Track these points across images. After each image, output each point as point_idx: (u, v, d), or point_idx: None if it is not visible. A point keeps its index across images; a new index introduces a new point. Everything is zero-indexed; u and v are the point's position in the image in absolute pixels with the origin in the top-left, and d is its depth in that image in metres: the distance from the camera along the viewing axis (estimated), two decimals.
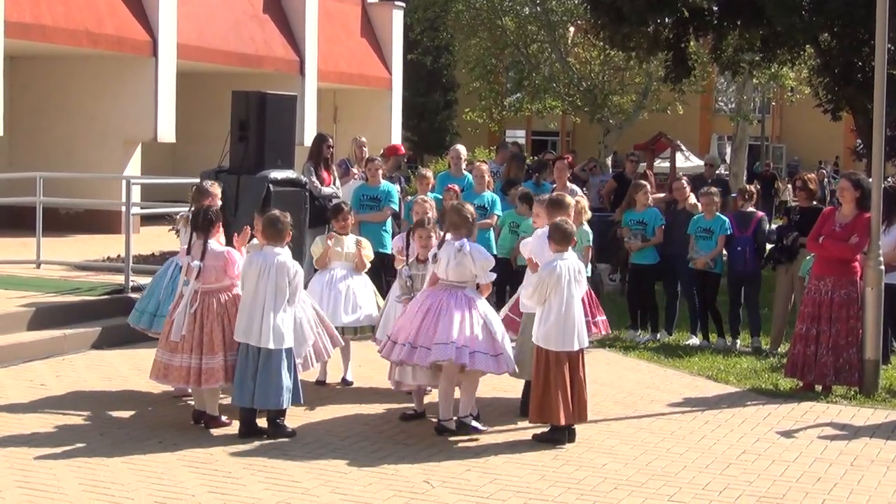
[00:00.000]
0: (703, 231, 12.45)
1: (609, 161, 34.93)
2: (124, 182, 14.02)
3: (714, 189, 12.83)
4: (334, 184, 13.25)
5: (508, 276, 11.86)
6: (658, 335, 12.73)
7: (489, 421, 8.79)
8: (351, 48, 25.98)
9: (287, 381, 8.17)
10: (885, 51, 10.51)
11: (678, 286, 12.84)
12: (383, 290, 10.53)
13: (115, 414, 8.82)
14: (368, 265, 10.09)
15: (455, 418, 8.44)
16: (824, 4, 18.82)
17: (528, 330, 8.53)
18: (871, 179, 10.47)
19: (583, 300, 8.64)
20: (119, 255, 14.43)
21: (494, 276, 8.69)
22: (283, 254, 8.28)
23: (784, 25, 19.04)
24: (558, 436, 8.27)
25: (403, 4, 28.01)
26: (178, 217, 10.47)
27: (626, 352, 11.96)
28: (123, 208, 13.79)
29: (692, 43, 23.41)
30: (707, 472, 7.72)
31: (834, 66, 20.34)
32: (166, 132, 20.25)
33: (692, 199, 12.90)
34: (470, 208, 8.73)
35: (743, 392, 10.27)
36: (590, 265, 10.71)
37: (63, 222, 19.30)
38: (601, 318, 9.86)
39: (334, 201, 11.32)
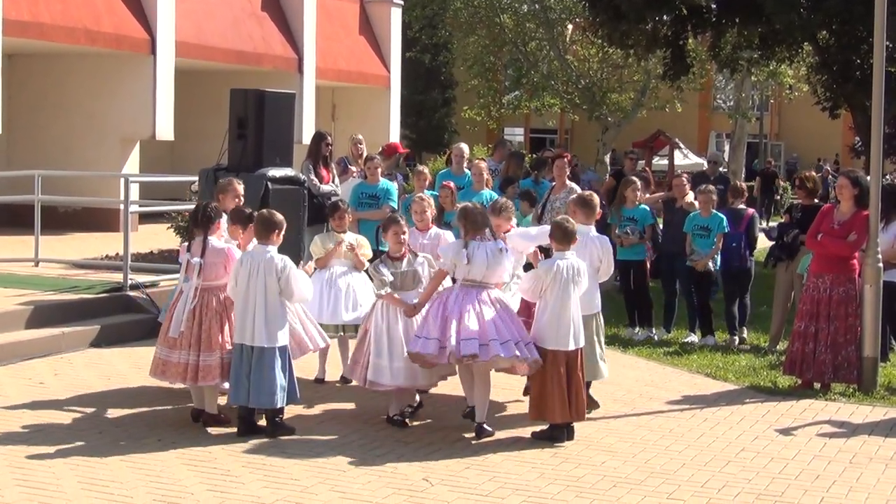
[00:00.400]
0: (700, 229, 12.46)
1: (608, 159, 34.95)
2: (122, 180, 14.02)
3: (712, 187, 12.84)
4: (333, 182, 13.24)
5: None
6: (654, 331, 12.75)
7: (488, 420, 8.79)
8: (349, 46, 25.98)
9: (281, 379, 8.15)
10: (883, 48, 10.51)
11: (676, 284, 12.85)
12: None
13: (114, 412, 8.82)
14: (367, 263, 10.07)
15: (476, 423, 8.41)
16: (823, 2, 18.81)
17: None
18: (869, 177, 10.47)
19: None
20: (117, 254, 14.43)
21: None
22: (272, 251, 8.27)
23: (782, 23, 19.03)
24: (557, 433, 8.27)
25: (402, 2, 28.02)
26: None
27: (625, 349, 11.96)
28: (122, 206, 13.79)
29: (690, 40, 23.40)
30: (706, 469, 7.72)
31: (832, 63, 20.34)
32: (164, 130, 20.25)
33: (689, 197, 12.91)
34: (482, 208, 8.74)
35: (741, 390, 10.28)
36: None
37: (61, 220, 19.30)
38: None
39: (332, 199, 11.31)
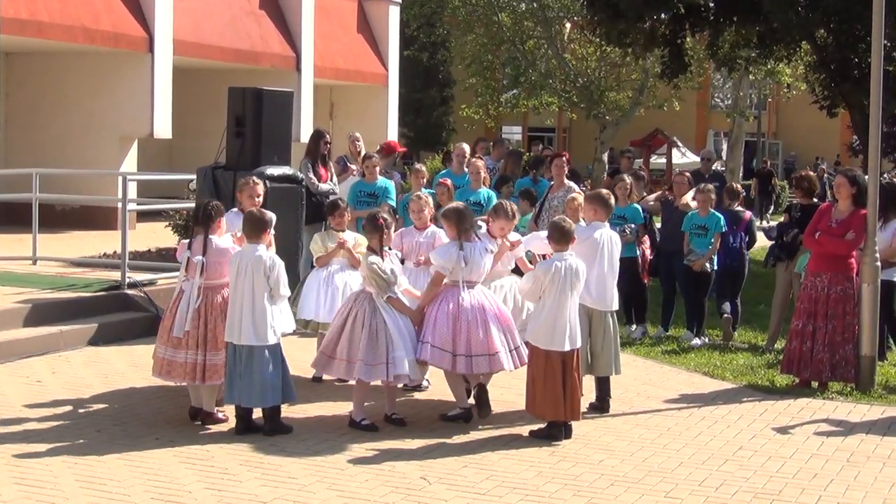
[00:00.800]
0: (697, 228, 12.46)
1: (605, 157, 34.96)
2: (120, 178, 14.01)
3: (710, 186, 12.84)
4: (331, 180, 13.24)
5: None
6: (644, 327, 12.81)
7: (486, 418, 8.80)
8: (347, 44, 25.98)
9: (273, 378, 8.13)
10: (881, 47, 10.51)
11: (674, 283, 12.86)
12: None
13: (112, 410, 8.82)
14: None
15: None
16: (821, 1, 18.82)
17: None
18: (867, 176, 10.48)
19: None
20: (115, 252, 14.42)
21: None
22: (261, 250, 8.25)
23: (780, 21, 19.04)
24: (555, 432, 8.28)
25: (400, 0, 28.01)
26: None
27: (623, 348, 11.94)
28: (120, 204, 13.78)
29: (688, 39, 23.40)
30: (703, 468, 7.73)
31: (830, 62, 20.35)
32: (162, 128, 20.24)
33: (686, 197, 12.92)
34: (470, 210, 8.89)
35: (739, 388, 10.28)
36: None
37: (59, 218, 19.30)
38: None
39: (331, 198, 11.30)
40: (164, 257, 14.13)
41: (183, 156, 22.92)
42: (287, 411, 8.45)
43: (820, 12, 18.96)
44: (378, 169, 13.32)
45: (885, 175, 23.57)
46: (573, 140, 54.06)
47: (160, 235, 16.01)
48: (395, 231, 9.30)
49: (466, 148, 14.52)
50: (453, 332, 8.33)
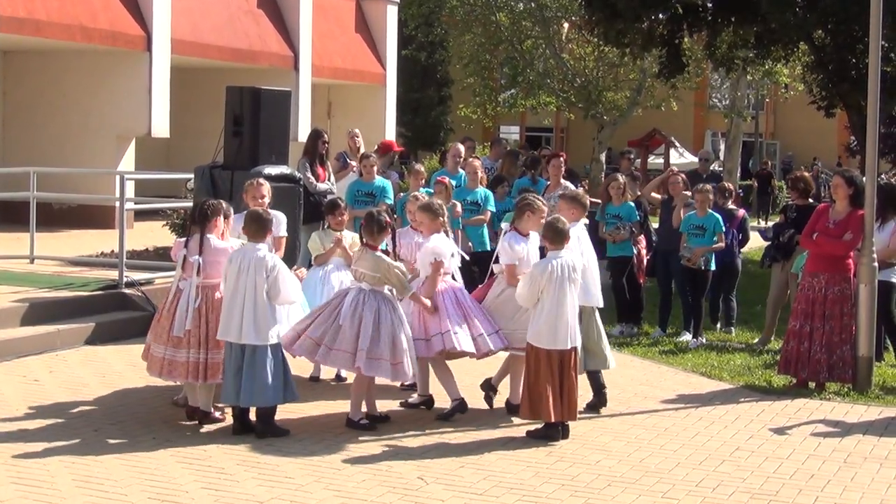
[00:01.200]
0: (695, 228, 12.47)
1: (603, 157, 34.95)
2: (118, 177, 14.01)
3: (709, 186, 12.86)
4: (329, 180, 13.23)
5: None
6: (630, 327, 12.85)
7: (483, 418, 8.81)
8: (345, 44, 25.98)
9: (273, 378, 8.12)
10: (878, 47, 10.53)
11: (672, 283, 12.87)
12: None
13: (109, 410, 8.81)
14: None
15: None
16: (818, 1, 18.83)
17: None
18: (864, 176, 10.48)
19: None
20: (113, 251, 14.42)
21: None
22: (263, 249, 8.25)
23: (778, 22, 19.04)
24: (552, 432, 8.28)
25: (398, 0, 28.01)
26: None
27: (620, 348, 11.96)
28: (117, 203, 13.77)
29: (686, 39, 23.39)
30: (700, 468, 7.73)
31: (828, 62, 20.35)
32: (160, 127, 20.23)
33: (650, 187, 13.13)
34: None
35: (736, 389, 10.29)
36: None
37: (57, 217, 19.26)
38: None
39: (329, 197, 11.30)
40: (162, 256, 14.11)
41: (181, 155, 22.90)
42: (283, 411, 8.42)
43: (818, 13, 18.96)
44: (376, 168, 13.32)
45: (883, 176, 23.56)
46: (571, 140, 54.07)
47: (158, 234, 16.00)
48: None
49: (462, 148, 14.53)
50: (463, 317, 8.75)
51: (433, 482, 7.24)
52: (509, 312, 8.77)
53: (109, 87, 20.11)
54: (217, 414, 8.47)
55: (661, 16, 21.01)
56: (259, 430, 8.14)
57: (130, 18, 19.62)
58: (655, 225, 13.85)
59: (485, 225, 13.21)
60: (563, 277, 8.30)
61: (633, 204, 12.96)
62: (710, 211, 12.48)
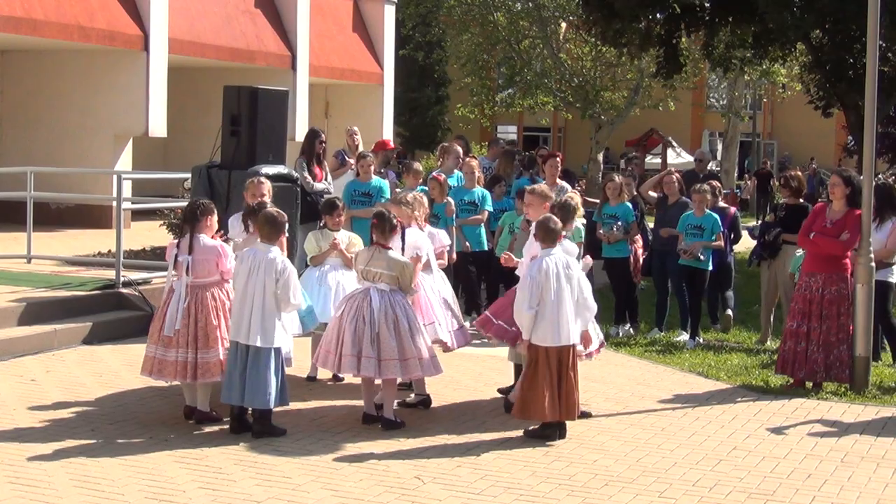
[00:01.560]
0: (693, 228, 12.47)
1: (601, 157, 34.97)
2: (115, 177, 14.00)
3: (706, 186, 12.87)
4: (326, 179, 13.23)
5: (504, 275, 11.82)
6: (629, 328, 12.85)
7: (480, 418, 8.81)
8: (343, 43, 25.97)
9: (275, 380, 8.12)
10: (876, 47, 10.53)
11: (668, 282, 12.87)
12: None
13: (106, 410, 8.80)
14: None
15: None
16: (816, 1, 18.84)
17: None
18: (861, 176, 10.49)
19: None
20: (110, 251, 14.41)
21: None
22: (274, 252, 8.24)
23: (776, 22, 19.06)
24: (549, 432, 8.28)
25: (395, 0, 28.02)
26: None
27: (617, 348, 11.97)
28: (114, 203, 13.77)
29: (684, 39, 23.42)
30: (697, 468, 7.73)
31: (825, 62, 20.38)
32: (157, 127, 20.22)
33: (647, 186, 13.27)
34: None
35: (733, 388, 10.29)
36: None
37: (54, 217, 19.28)
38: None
39: (326, 197, 11.29)
40: (159, 256, 14.06)
41: (178, 154, 22.91)
42: (281, 410, 8.42)
43: (815, 13, 18.98)
44: (373, 168, 13.31)
45: (880, 175, 23.60)
46: (568, 140, 54.10)
47: (155, 234, 16.00)
48: None
49: (459, 150, 14.54)
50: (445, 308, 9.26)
51: (430, 482, 7.24)
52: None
53: (106, 87, 20.10)
54: (214, 413, 8.46)
55: (658, 15, 21.03)
56: (256, 430, 8.14)
57: (128, 18, 19.61)
58: (652, 224, 13.85)
59: (482, 225, 13.21)
60: (559, 274, 8.31)
61: (629, 204, 12.97)
62: (707, 211, 12.49)
